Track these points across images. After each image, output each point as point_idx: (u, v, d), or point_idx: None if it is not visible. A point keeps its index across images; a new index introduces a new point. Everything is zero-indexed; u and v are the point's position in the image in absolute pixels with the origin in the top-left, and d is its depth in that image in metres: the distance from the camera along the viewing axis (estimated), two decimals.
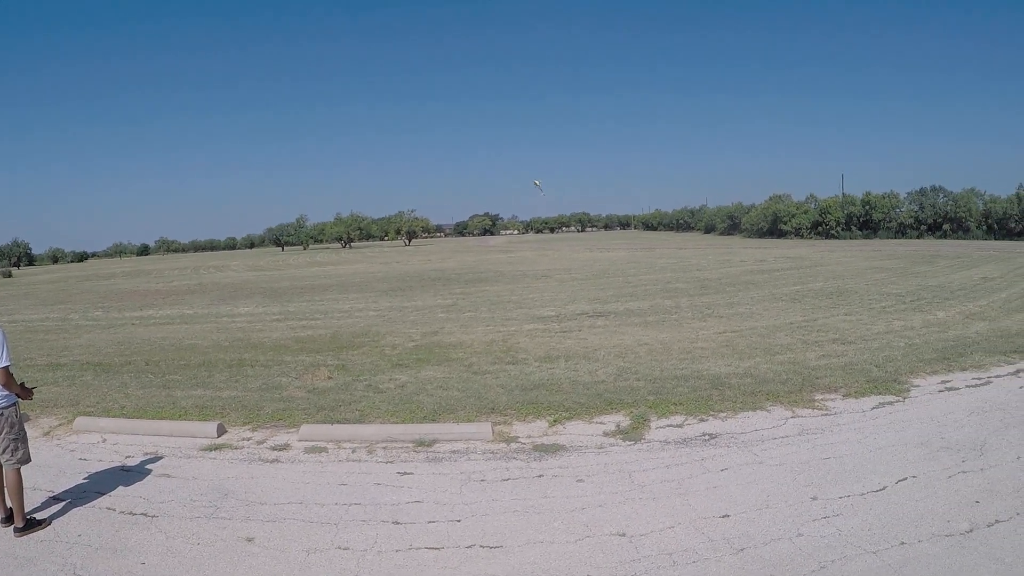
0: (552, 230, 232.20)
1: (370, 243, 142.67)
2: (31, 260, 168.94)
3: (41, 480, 8.41)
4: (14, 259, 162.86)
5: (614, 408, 10.02)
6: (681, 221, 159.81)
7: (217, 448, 9.27)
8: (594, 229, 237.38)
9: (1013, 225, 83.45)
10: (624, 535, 6.12)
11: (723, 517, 6.47)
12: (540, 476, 7.71)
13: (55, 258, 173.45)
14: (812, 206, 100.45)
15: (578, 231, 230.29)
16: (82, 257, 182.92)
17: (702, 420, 9.47)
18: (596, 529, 6.27)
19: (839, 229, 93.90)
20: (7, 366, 6.85)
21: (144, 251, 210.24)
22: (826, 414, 9.80)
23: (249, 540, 6.46)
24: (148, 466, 8.79)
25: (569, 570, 5.58)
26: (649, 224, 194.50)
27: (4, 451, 6.98)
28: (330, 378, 12.76)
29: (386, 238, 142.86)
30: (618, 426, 9.26)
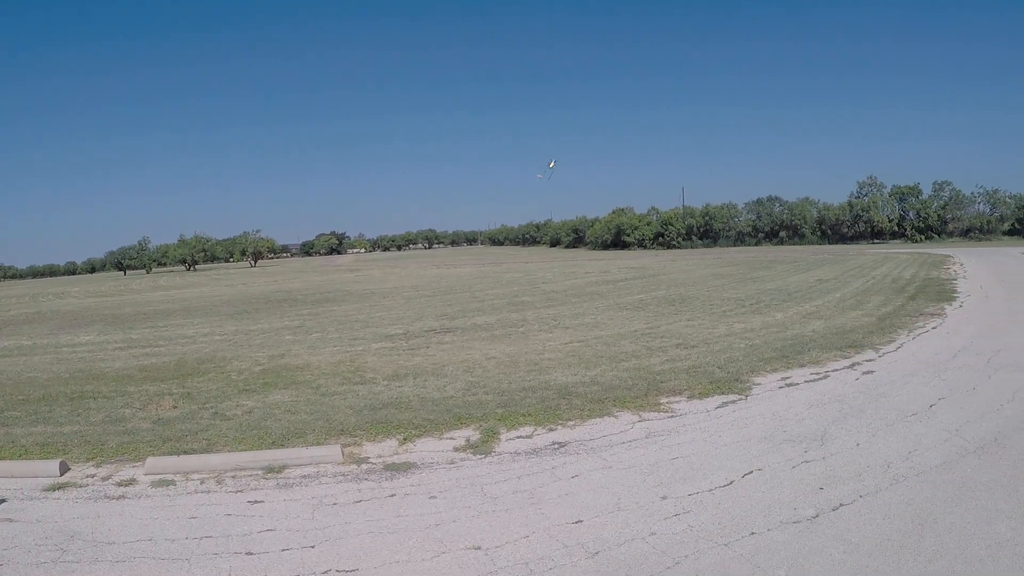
0: (399, 247, 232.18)
1: (215, 265, 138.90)
2: None
3: None
4: None
5: (464, 423, 10.13)
6: (527, 235, 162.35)
7: (61, 487, 8.83)
8: (441, 245, 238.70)
9: (846, 230, 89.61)
10: (480, 548, 6.21)
11: (576, 523, 6.65)
12: (392, 495, 7.73)
13: None
14: (654, 218, 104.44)
15: (425, 247, 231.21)
16: None
17: (551, 429, 9.69)
18: (451, 544, 6.34)
19: (680, 239, 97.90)
20: None
21: None
22: (672, 416, 10.21)
23: None
24: None
25: None
26: (496, 239, 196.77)
27: None
28: (175, 407, 12.39)
29: (231, 259, 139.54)
30: (468, 440, 9.37)
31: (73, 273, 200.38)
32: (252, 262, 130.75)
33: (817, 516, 6.55)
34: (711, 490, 7.36)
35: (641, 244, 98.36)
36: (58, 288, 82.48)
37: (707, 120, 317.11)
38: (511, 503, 7.26)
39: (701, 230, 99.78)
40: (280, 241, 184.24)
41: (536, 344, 16.40)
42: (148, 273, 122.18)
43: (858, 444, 8.58)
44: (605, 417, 10.23)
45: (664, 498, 7.21)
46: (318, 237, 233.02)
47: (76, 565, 6.65)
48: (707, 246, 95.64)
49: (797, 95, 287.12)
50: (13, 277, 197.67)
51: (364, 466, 8.76)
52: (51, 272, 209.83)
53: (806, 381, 11.87)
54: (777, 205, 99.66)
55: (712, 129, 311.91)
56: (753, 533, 6.25)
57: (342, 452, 9.20)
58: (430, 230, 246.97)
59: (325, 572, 6.06)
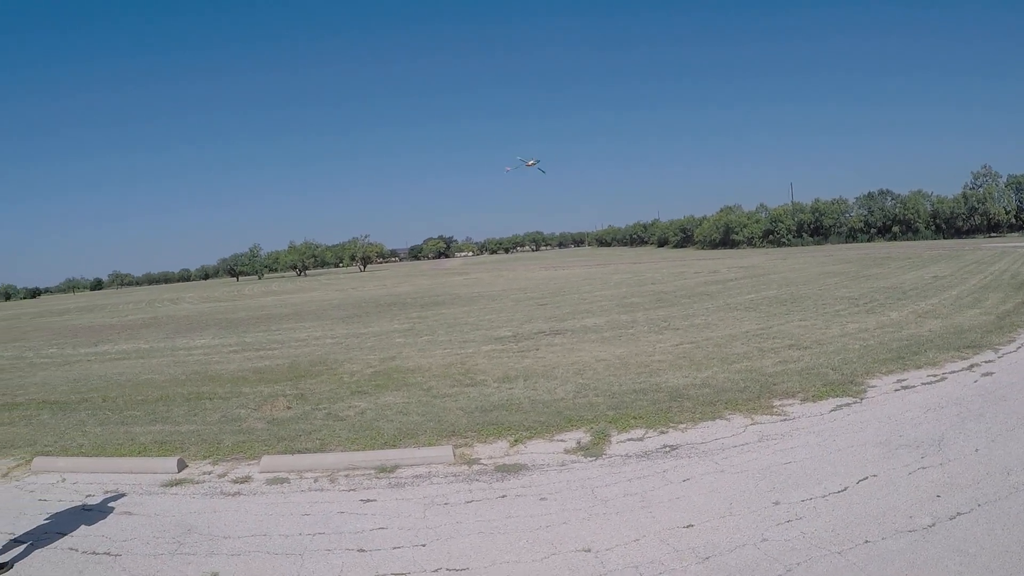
0: (507, 250, 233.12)
1: (325, 270, 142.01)
2: None
3: (1, 523, 8.34)
4: None
5: (574, 425, 10.08)
6: (634, 236, 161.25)
7: (178, 483, 9.21)
8: (548, 248, 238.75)
9: (961, 224, 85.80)
10: (590, 551, 6.17)
11: (687, 527, 6.55)
12: (503, 496, 7.75)
13: (7, 295, 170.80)
14: (763, 215, 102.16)
15: (532, 250, 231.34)
16: (35, 293, 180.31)
17: (662, 432, 9.56)
18: (561, 546, 6.32)
19: (790, 236, 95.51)
20: None
21: (98, 285, 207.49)
22: (785, 419, 9.97)
23: (214, 575, 6.45)
24: (109, 504, 8.71)
25: None
26: (603, 240, 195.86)
27: None
28: (289, 408, 12.71)
29: (340, 264, 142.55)
30: (579, 443, 9.32)
31: (187, 280, 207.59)
32: (361, 267, 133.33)
33: (933, 525, 6.29)
34: (824, 496, 7.15)
35: (750, 242, 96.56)
36: (173, 294, 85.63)
37: (815, 115, 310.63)
38: (621, 506, 7.19)
39: (811, 227, 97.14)
40: (388, 246, 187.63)
41: (646, 346, 16.23)
42: (260, 279, 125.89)
43: (977, 450, 8.22)
44: (717, 420, 10.03)
45: (776, 503, 7.04)
46: (426, 241, 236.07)
47: (192, 557, 6.89)
48: (817, 243, 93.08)
49: (907, 89, 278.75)
50: (129, 284, 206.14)
51: (475, 467, 8.81)
52: (166, 279, 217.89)
53: (922, 383, 11.43)
54: (888, 199, 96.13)
55: (820, 123, 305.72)
56: (867, 541, 6.04)
57: (453, 453, 9.27)
58: (537, 232, 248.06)
59: (436, 571, 6.11)
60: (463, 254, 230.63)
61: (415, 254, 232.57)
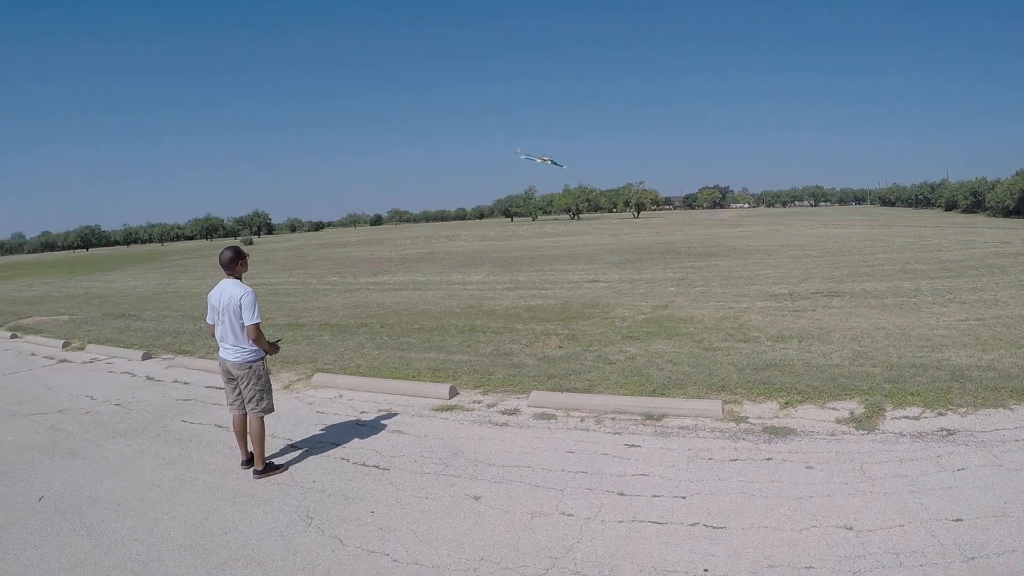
0: (784, 204, 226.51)
1: (598, 215, 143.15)
2: (271, 229, 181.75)
3: (280, 429, 9.15)
4: (255, 228, 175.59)
5: (848, 394, 9.56)
6: (920, 197, 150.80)
7: (448, 409, 9.70)
8: (827, 204, 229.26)
9: None
10: (851, 529, 5.85)
11: (956, 521, 6.04)
12: (768, 459, 7.51)
13: (293, 227, 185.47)
14: None
15: (811, 205, 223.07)
16: (318, 226, 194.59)
17: (940, 414, 8.84)
18: (822, 519, 6.04)
19: None
20: (258, 323, 7.47)
21: (377, 221, 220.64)
22: None
23: (476, 499, 6.69)
24: (382, 422, 9.33)
25: (792, 559, 5.41)
26: (886, 199, 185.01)
27: (250, 400, 7.62)
28: (560, 347, 12.95)
29: (614, 210, 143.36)
30: (851, 413, 8.84)
31: (463, 219, 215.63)
32: (635, 213, 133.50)
33: None
34: None
35: None
36: (449, 231, 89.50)
37: None
38: (889, 487, 6.74)
39: None
40: (663, 193, 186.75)
41: (929, 318, 15.06)
42: (534, 220, 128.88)
43: None
44: (1000, 409, 9.05)
45: None
46: (701, 190, 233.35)
47: (457, 480, 7.20)
48: None
49: None
50: (407, 221, 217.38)
51: (742, 425, 8.58)
52: (442, 217, 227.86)
53: None
54: None
55: None
56: None
57: (722, 408, 9.08)
58: (816, 187, 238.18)
59: (693, 524, 6.02)
60: (738, 205, 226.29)
61: (689, 203, 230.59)
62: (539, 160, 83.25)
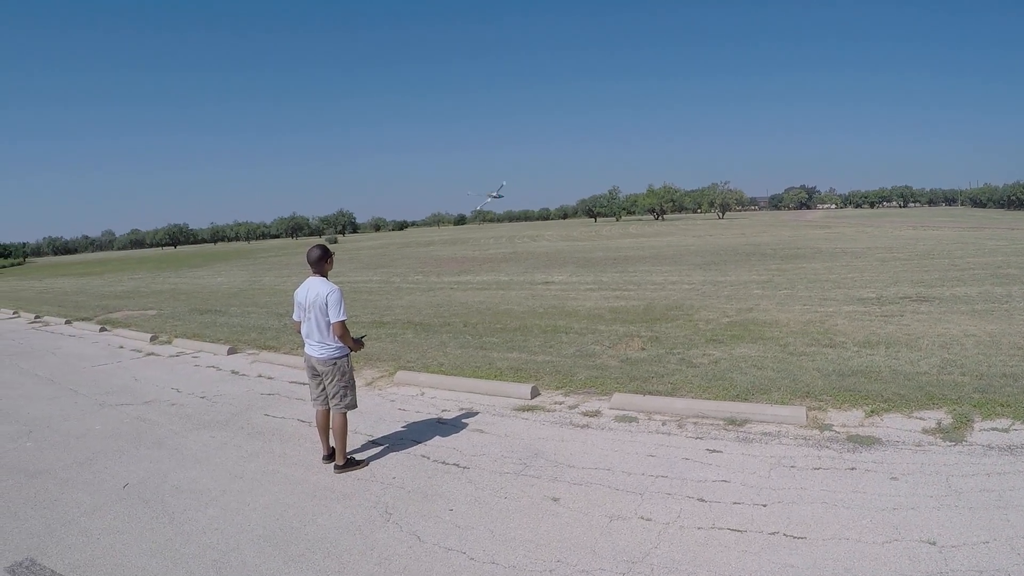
0: (872, 204, 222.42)
1: (682, 215, 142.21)
2: (355, 228, 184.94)
3: (362, 425, 9.31)
4: (339, 227, 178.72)
5: (935, 403, 9.29)
6: (1013, 198, 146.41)
7: (529, 409, 9.73)
8: (916, 204, 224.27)
9: None
10: (934, 544, 5.70)
11: None
12: (852, 469, 7.36)
13: (377, 226, 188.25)
14: None
15: (899, 206, 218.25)
16: (402, 226, 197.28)
17: None
18: (906, 533, 5.88)
19: None
20: (344, 320, 7.60)
21: (461, 220, 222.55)
22: None
23: (555, 500, 6.69)
24: (463, 420, 9.42)
25: (872, 572, 5.26)
26: (977, 200, 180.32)
27: (334, 396, 7.77)
28: (643, 349, 12.88)
29: (699, 210, 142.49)
30: (938, 424, 8.59)
31: (546, 219, 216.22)
32: (720, 214, 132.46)
33: None
34: None
35: None
36: (532, 231, 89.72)
37: None
38: (976, 501, 6.52)
39: None
40: (748, 193, 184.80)
41: (1021, 326, 14.39)
42: (617, 221, 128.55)
43: None
44: None
45: None
46: (787, 191, 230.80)
47: (536, 480, 7.21)
48: None
49: None
50: (490, 221, 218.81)
51: (826, 433, 8.42)
52: (525, 217, 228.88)
53: None
54: None
55: None
56: None
57: (806, 415, 8.93)
58: (905, 187, 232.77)
59: (772, 533, 5.93)
60: (825, 206, 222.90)
61: (775, 203, 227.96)
62: (489, 198, 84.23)
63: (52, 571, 5.80)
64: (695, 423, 8.88)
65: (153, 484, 7.74)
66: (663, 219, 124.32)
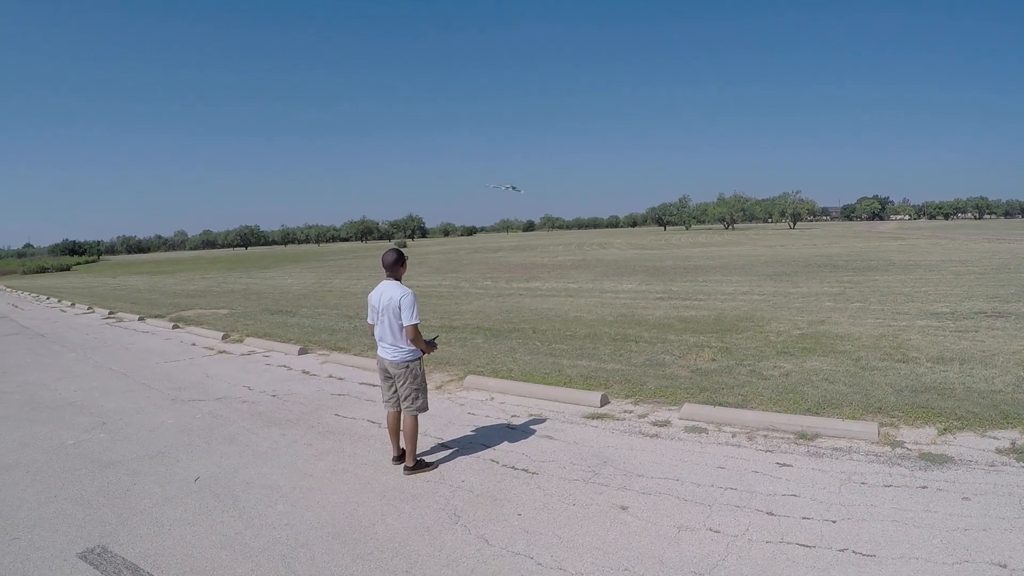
0: (946, 216, 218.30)
1: (753, 225, 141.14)
2: (424, 233, 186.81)
3: (432, 428, 9.42)
4: (409, 231, 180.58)
5: (1010, 423, 9.07)
6: None
7: (599, 417, 9.73)
8: (992, 216, 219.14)
9: None
10: (1005, 567, 5.56)
11: None
12: (924, 487, 7.24)
13: (446, 231, 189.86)
14: None
15: (975, 218, 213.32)
16: (471, 231, 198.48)
17: None
18: (976, 555, 5.77)
19: None
20: (416, 324, 7.71)
21: (529, 227, 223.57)
22: None
23: (623, 508, 6.69)
24: (532, 426, 9.45)
25: None
26: None
27: (406, 399, 7.87)
28: (713, 360, 12.80)
29: (770, 220, 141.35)
30: (1013, 444, 8.38)
31: (615, 227, 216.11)
32: (791, 224, 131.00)
33: None
34: None
35: None
36: (601, 239, 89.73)
37: None
38: None
39: None
40: (820, 203, 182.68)
41: None
42: (687, 229, 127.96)
43: None
44: None
45: None
46: (859, 201, 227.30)
47: (605, 488, 7.22)
48: None
49: None
50: (559, 227, 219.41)
51: (898, 450, 8.28)
52: (594, 224, 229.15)
53: None
54: None
55: None
56: None
57: (878, 431, 8.79)
58: (981, 198, 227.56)
59: (841, 550, 5.85)
60: (898, 217, 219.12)
61: (847, 214, 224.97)
62: (505, 188, 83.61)
63: (123, 559, 5.97)
64: (765, 436, 8.80)
65: (224, 478, 7.92)
66: (733, 228, 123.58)
